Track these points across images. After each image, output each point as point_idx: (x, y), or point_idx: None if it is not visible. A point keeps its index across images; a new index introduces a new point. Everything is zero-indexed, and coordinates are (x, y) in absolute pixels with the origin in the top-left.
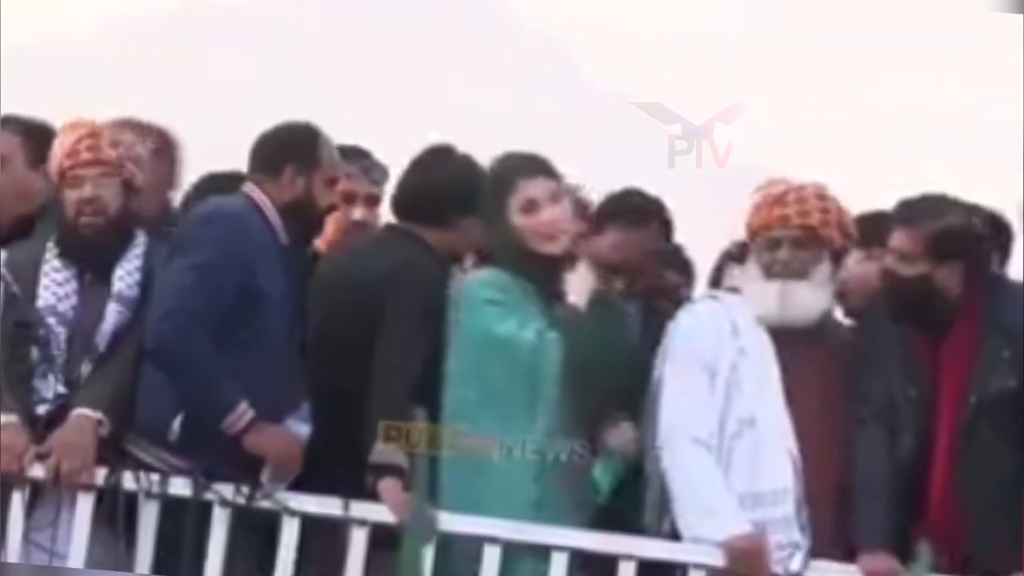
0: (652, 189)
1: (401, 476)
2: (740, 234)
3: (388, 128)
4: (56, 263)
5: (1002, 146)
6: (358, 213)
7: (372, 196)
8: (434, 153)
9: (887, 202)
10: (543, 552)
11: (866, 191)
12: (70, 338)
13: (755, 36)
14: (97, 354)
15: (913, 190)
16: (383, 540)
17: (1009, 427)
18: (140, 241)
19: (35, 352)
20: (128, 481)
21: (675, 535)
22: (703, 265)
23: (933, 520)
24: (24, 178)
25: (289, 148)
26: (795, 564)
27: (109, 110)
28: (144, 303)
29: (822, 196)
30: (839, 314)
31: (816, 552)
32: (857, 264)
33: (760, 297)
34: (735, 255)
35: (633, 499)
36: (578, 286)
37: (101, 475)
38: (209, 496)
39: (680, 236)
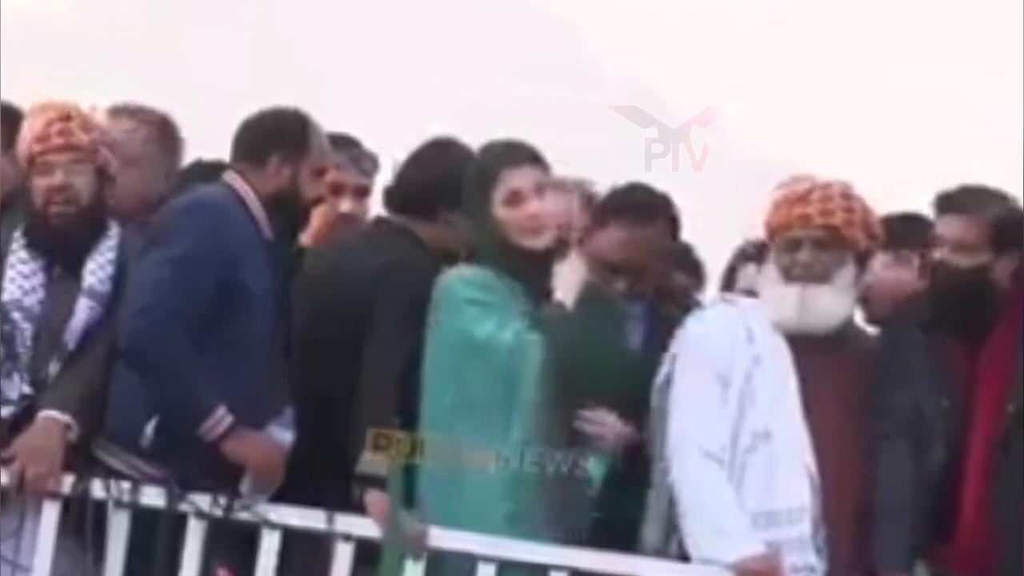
0: (664, 181)
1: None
2: (756, 232)
3: (383, 115)
4: (23, 254)
5: None
6: (346, 205)
7: (361, 187)
8: (434, 146)
9: (912, 201)
10: (540, 570)
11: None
12: (37, 335)
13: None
14: (66, 353)
15: (942, 186)
16: (370, 555)
17: None
18: (113, 233)
19: None
20: (97, 489)
21: (683, 555)
22: (715, 266)
23: (960, 542)
24: (0, 163)
25: (275, 135)
26: None
27: (82, 91)
28: (117, 299)
29: (847, 195)
30: (861, 320)
31: None
32: (884, 268)
33: (778, 302)
34: (751, 255)
35: (624, 493)
36: (568, 279)
37: (68, 482)
38: (184, 507)
39: (691, 235)
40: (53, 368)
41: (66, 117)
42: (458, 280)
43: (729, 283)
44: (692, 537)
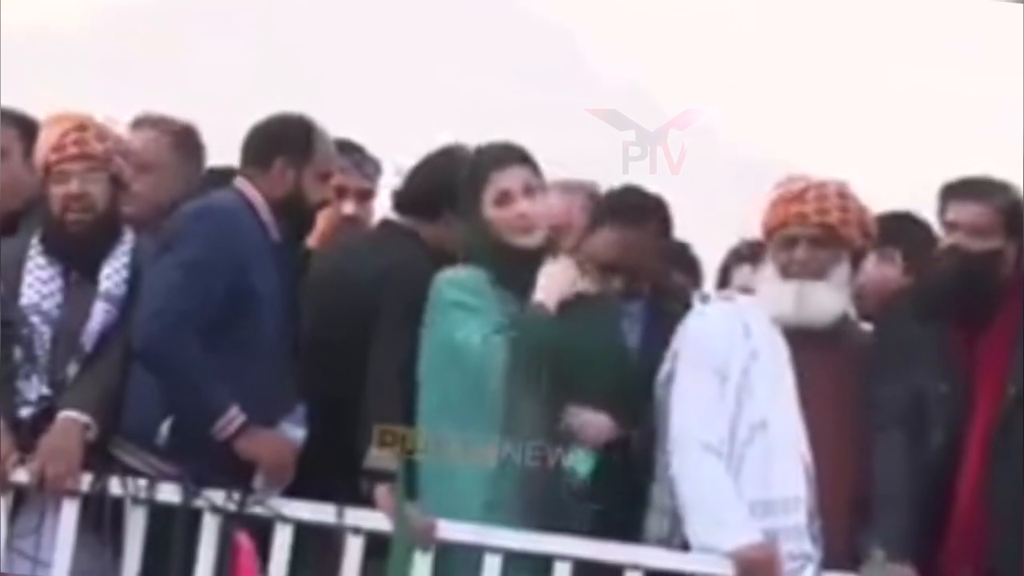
0: (659, 184)
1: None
2: (750, 232)
3: (385, 120)
4: (40, 260)
5: None
6: (349, 208)
7: (364, 191)
8: (442, 152)
9: (912, 200)
10: (544, 562)
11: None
12: (55, 338)
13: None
14: (83, 355)
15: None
16: (380, 548)
17: None
18: (128, 238)
19: (18, 352)
20: (115, 487)
21: (684, 545)
22: (711, 266)
23: (957, 529)
24: (21, 173)
25: (280, 140)
26: None
27: (95, 102)
28: (132, 302)
29: (843, 194)
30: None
31: (828, 565)
32: (874, 266)
33: (776, 298)
34: (745, 255)
35: (613, 486)
36: (554, 280)
37: (87, 480)
38: (199, 503)
39: (691, 235)
40: (71, 370)
41: (81, 127)
42: (446, 283)
43: (724, 283)
44: (692, 527)
